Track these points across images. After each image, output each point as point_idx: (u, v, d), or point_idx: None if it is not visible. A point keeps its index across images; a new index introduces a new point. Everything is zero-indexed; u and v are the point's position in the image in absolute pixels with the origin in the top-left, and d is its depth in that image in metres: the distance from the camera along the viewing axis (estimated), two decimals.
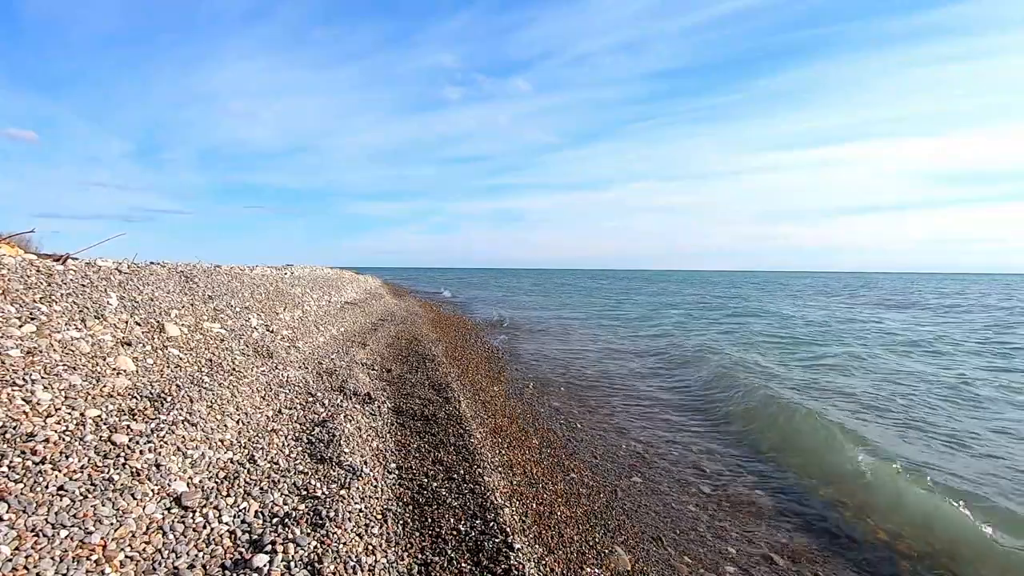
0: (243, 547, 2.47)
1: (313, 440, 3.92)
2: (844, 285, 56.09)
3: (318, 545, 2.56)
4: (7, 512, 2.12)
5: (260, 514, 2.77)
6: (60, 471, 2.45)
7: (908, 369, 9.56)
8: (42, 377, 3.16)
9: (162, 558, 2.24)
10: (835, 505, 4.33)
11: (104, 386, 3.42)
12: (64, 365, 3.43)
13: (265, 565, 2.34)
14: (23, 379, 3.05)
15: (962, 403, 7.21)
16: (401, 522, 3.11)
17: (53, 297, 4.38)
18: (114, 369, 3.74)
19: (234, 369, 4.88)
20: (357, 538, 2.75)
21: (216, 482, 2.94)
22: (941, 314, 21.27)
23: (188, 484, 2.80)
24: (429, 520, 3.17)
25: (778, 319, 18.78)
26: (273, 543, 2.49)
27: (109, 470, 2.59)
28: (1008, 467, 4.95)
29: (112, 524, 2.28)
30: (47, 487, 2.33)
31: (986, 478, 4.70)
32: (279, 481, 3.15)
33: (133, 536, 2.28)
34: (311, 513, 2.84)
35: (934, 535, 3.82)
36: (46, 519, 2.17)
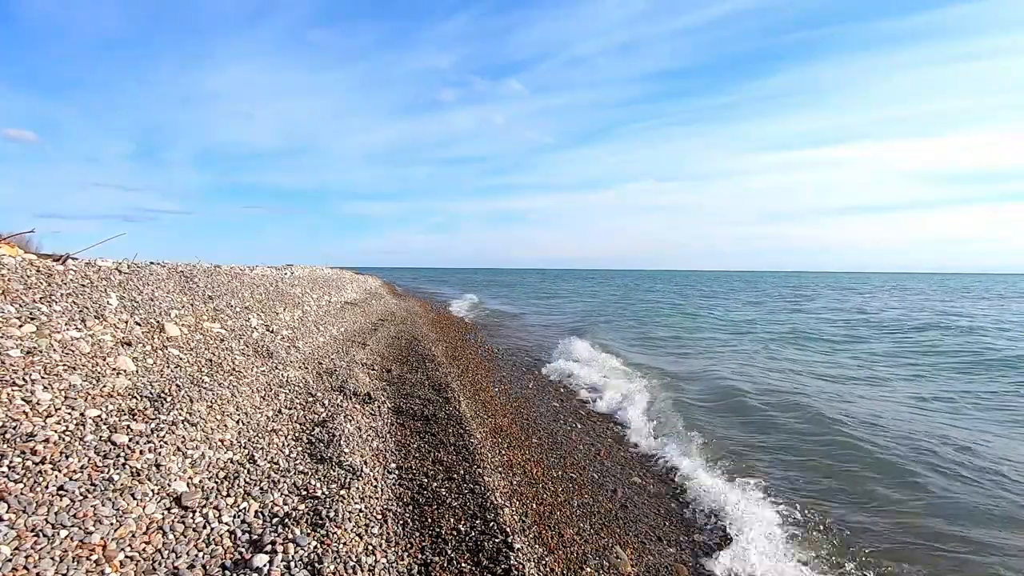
0: (243, 547, 2.47)
1: (313, 440, 3.92)
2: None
3: (318, 545, 2.56)
4: (7, 512, 2.12)
5: (260, 514, 2.77)
6: (60, 471, 2.45)
7: None
8: (42, 377, 3.16)
9: (162, 558, 2.24)
10: None
11: (104, 386, 3.42)
12: (64, 365, 3.43)
13: (265, 565, 2.34)
14: (23, 379, 3.05)
15: None
16: (401, 522, 3.11)
17: (53, 297, 4.38)
18: (114, 369, 3.74)
19: (234, 369, 4.88)
20: (357, 538, 2.75)
21: (216, 482, 2.94)
22: None
23: (188, 484, 2.80)
24: (429, 520, 3.17)
25: None
26: (273, 543, 2.49)
27: (109, 470, 2.59)
28: None
29: (112, 524, 2.28)
30: (47, 487, 2.33)
31: None
32: (279, 481, 3.15)
33: (133, 536, 2.28)
34: (311, 513, 2.84)
35: None
36: (46, 519, 2.17)
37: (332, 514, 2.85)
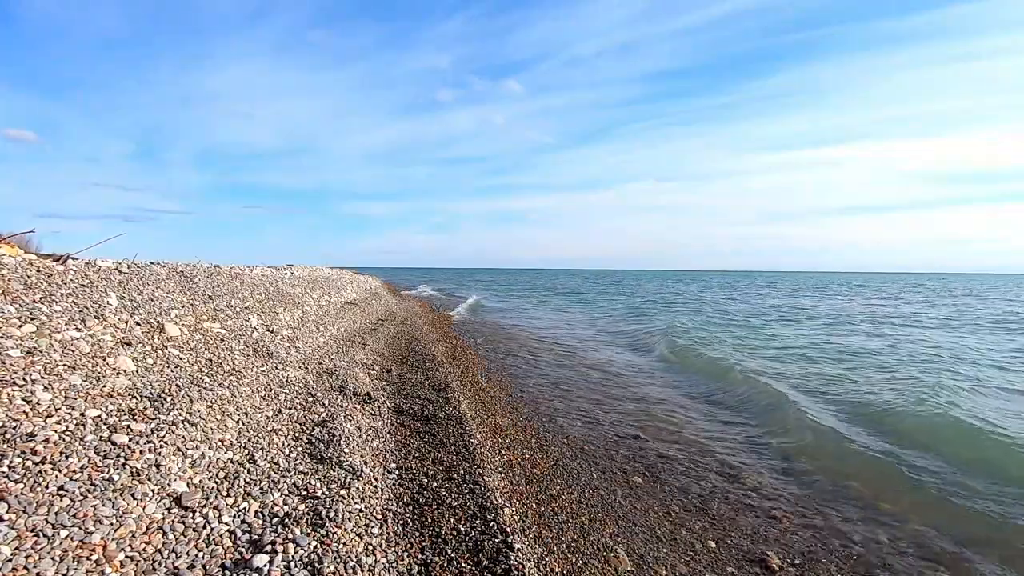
0: (243, 547, 2.47)
1: (313, 440, 3.92)
2: None
3: (318, 545, 2.56)
4: (7, 512, 2.12)
5: (260, 514, 2.77)
6: (60, 471, 2.45)
7: None
8: (42, 377, 3.16)
9: (162, 558, 2.24)
10: None
11: (104, 386, 3.42)
12: (64, 365, 3.43)
13: (265, 565, 2.34)
14: (23, 379, 3.05)
15: None
16: (401, 522, 3.11)
17: (53, 297, 4.38)
18: (114, 369, 3.74)
19: (234, 369, 4.88)
20: (357, 538, 2.75)
21: (216, 482, 2.94)
22: None
23: (188, 484, 2.80)
24: (429, 520, 3.17)
25: None
26: (273, 543, 2.49)
27: (109, 470, 2.59)
28: None
29: (112, 524, 2.28)
30: (47, 487, 2.33)
31: None
32: (279, 481, 3.15)
33: (133, 536, 2.28)
34: (311, 513, 2.84)
35: None
36: (46, 519, 2.17)
37: (332, 514, 2.85)
